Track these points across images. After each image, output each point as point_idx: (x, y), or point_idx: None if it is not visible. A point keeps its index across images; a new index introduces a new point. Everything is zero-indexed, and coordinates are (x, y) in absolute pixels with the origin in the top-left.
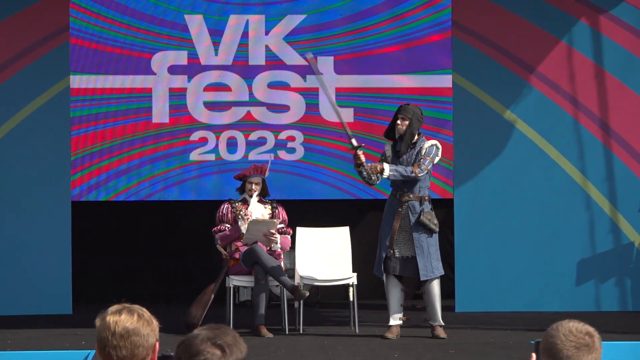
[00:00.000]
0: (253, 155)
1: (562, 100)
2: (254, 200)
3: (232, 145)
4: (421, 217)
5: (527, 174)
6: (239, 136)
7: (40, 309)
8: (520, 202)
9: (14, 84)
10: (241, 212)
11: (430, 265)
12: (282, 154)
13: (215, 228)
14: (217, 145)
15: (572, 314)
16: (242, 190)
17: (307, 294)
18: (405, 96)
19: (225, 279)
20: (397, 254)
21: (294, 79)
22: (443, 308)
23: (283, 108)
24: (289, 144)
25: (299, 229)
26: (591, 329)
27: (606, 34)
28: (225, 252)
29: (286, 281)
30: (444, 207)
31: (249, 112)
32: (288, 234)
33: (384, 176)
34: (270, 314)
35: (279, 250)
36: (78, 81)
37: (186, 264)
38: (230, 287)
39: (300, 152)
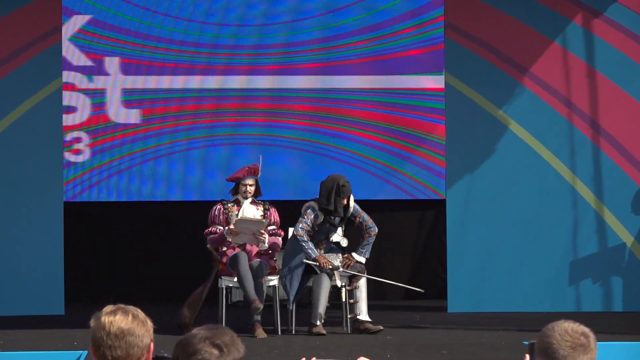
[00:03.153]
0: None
1: (555, 101)
2: (247, 202)
3: None
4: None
5: (519, 174)
6: None
7: (32, 310)
8: (513, 203)
9: (6, 84)
10: (232, 213)
11: None
12: None
13: (207, 230)
14: None
15: (564, 315)
16: (235, 191)
17: (261, 307)
18: (399, 94)
19: (217, 279)
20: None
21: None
22: (435, 308)
23: None
24: None
25: (291, 230)
26: (586, 330)
27: (599, 35)
28: (216, 253)
29: (249, 291)
30: (435, 207)
31: None
32: (279, 236)
33: (361, 265)
34: (262, 315)
35: (266, 248)
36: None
37: (179, 265)
38: (222, 288)
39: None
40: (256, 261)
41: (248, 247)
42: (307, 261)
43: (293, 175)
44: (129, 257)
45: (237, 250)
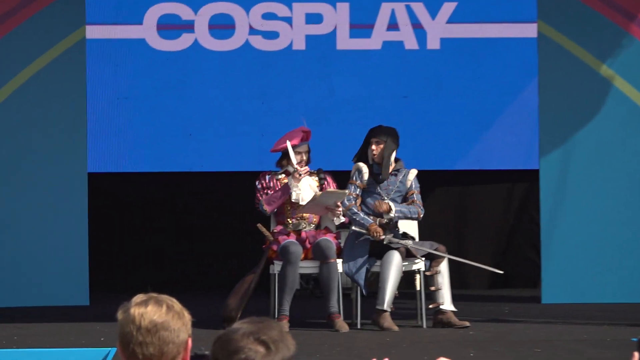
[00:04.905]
0: None
1: None
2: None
3: None
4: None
5: (626, 140)
6: None
7: (52, 300)
8: (619, 174)
9: (20, 35)
10: (294, 171)
11: None
12: None
13: (258, 198)
14: None
15: None
16: (281, 163)
17: (346, 328)
18: (483, 46)
19: (269, 266)
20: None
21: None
22: (527, 299)
23: None
24: None
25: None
26: None
27: None
28: (269, 233)
29: (283, 303)
30: (526, 179)
31: None
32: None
33: (388, 216)
34: (312, 305)
35: (343, 221)
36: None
37: (221, 247)
38: (274, 275)
39: None
40: (323, 239)
41: (304, 234)
42: (357, 229)
43: (349, 142)
44: (163, 238)
45: (292, 237)
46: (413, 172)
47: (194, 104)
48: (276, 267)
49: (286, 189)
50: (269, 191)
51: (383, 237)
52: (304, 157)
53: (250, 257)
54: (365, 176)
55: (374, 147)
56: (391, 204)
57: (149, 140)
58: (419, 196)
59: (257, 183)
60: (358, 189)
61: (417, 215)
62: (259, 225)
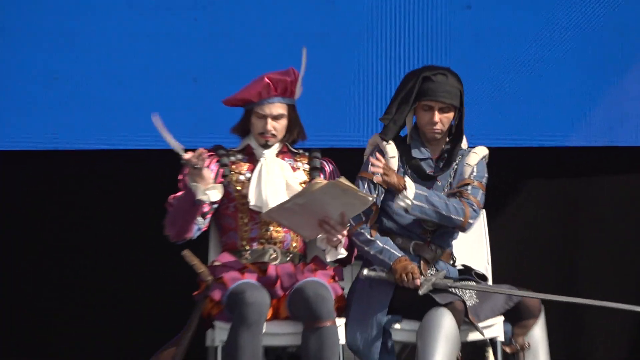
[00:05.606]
0: None
1: None
2: (271, 153)
3: None
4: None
5: None
6: None
7: None
8: None
9: None
10: (237, 176)
11: None
12: None
13: (171, 199)
14: None
15: None
16: (242, 130)
17: None
18: None
19: (204, 331)
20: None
21: None
22: None
23: None
24: None
25: None
26: None
27: None
28: (204, 267)
29: None
30: None
31: None
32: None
33: (402, 203)
34: None
35: (344, 256)
36: None
37: (133, 288)
38: (214, 348)
39: None
40: (310, 282)
41: (273, 270)
42: (370, 273)
43: (376, 92)
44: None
45: (246, 276)
46: (479, 153)
47: None
48: (219, 334)
49: (190, 195)
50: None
51: (420, 282)
52: (276, 126)
53: (183, 309)
54: (394, 164)
55: (437, 116)
56: (407, 180)
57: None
58: (480, 191)
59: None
60: (376, 192)
61: (459, 218)
62: (185, 252)
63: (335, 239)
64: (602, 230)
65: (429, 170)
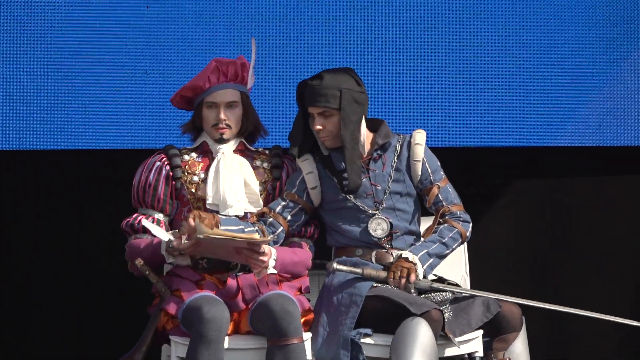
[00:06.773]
0: None
1: None
2: (228, 149)
3: None
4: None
5: None
6: None
7: None
8: None
9: None
10: (190, 176)
11: None
12: None
13: (126, 222)
14: None
15: None
16: (193, 127)
17: None
18: None
19: (158, 348)
20: None
21: None
22: None
23: None
24: None
25: None
26: None
27: None
28: (158, 278)
29: None
30: None
31: None
32: (311, 238)
33: (424, 285)
34: None
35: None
36: None
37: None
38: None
39: None
40: (275, 295)
41: (232, 281)
42: (348, 269)
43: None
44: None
45: (202, 291)
46: (421, 142)
47: None
48: (175, 349)
49: (157, 247)
50: (147, 210)
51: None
52: (230, 116)
53: (135, 323)
54: (311, 180)
55: (318, 125)
56: (409, 255)
57: None
58: (449, 189)
59: (135, 180)
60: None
61: (460, 241)
62: (138, 261)
63: (256, 266)
64: (591, 232)
65: (363, 177)
